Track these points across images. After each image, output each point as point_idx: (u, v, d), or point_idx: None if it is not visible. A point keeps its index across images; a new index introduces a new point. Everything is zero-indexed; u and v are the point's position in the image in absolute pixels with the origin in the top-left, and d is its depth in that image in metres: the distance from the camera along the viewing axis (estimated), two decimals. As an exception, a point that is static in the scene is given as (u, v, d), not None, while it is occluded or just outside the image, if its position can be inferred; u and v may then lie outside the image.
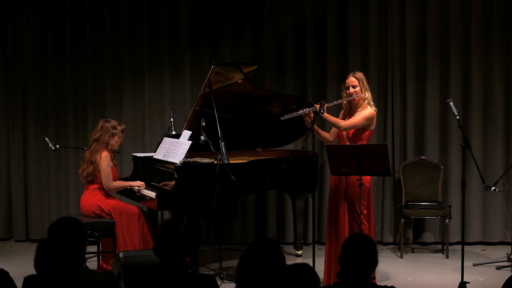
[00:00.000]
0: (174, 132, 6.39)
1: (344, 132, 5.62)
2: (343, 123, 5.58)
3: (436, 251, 7.12)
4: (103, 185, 6.01)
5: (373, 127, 5.61)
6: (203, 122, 5.77)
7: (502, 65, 7.25)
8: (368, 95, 5.60)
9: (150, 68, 7.55)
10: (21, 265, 6.31)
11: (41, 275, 3.14)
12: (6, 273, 3.09)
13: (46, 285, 3.11)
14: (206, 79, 5.93)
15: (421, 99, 7.32)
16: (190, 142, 5.83)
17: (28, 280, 3.17)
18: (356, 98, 5.59)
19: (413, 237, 7.36)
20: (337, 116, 5.76)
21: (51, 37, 7.55)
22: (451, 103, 5.55)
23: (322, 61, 7.40)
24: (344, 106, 5.80)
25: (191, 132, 5.92)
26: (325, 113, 5.42)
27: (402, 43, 7.31)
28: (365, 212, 5.46)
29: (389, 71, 7.32)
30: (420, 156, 7.21)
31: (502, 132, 7.26)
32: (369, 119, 5.54)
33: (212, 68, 5.85)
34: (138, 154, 6.68)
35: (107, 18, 7.53)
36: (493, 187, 6.35)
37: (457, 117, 5.45)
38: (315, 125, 5.50)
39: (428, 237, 7.35)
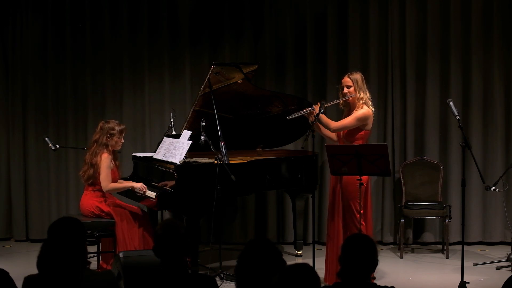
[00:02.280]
0: (174, 132, 6.39)
1: (342, 131, 5.66)
2: (334, 124, 5.62)
3: (436, 251, 7.12)
4: (101, 185, 5.98)
5: (368, 127, 5.62)
6: (203, 122, 5.77)
7: (502, 65, 7.25)
8: (364, 95, 5.61)
9: (150, 68, 7.55)
10: (21, 265, 6.31)
11: (42, 275, 3.14)
12: (6, 273, 3.09)
13: (47, 285, 3.11)
14: (206, 79, 5.93)
15: (421, 99, 7.32)
16: (190, 142, 5.83)
17: (28, 280, 3.18)
18: (351, 99, 5.61)
19: (413, 237, 7.35)
20: (339, 119, 5.78)
21: (51, 37, 7.55)
22: (451, 103, 5.55)
23: (322, 61, 7.40)
24: (342, 108, 5.83)
25: (191, 132, 5.92)
26: (322, 115, 5.48)
27: (402, 43, 7.31)
28: (361, 211, 5.46)
29: (389, 71, 7.32)
30: (420, 156, 7.21)
31: (502, 132, 7.26)
32: (361, 120, 5.55)
33: (212, 68, 5.85)
34: (138, 154, 6.68)
35: (107, 18, 7.53)
36: (493, 187, 6.35)
37: (457, 117, 5.46)
38: (319, 125, 5.54)
39: (428, 237, 7.35)
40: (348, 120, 5.59)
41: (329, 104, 5.70)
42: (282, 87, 7.37)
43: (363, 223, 5.48)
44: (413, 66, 7.31)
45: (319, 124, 5.63)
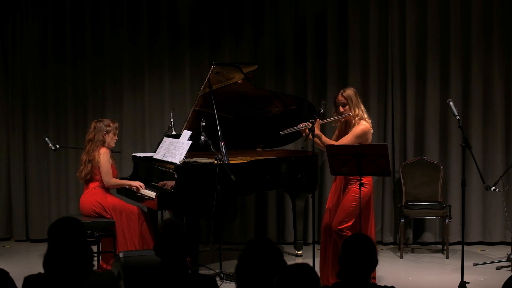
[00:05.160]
0: (174, 132, 6.40)
1: None
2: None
3: (436, 251, 7.12)
4: (103, 181, 6.01)
5: (369, 141, 5.56)
6: (203, 122, 5.77)
7: (502, 65, 7.25)
8: (359, 111, 5.52)
9: (150, 68, 7.55)
10: (21, 265, 6.31)
11: (41, 275, 3.14)
12: (6, 273, 3.09)
13: (46, 285, 3.11)
14: (206, 79, 5.93)
15: (421, 99, 7.32)
16: (190, 142, 5.83)
17: (28, 280, 3.18)
18: (347, 117, 5.57)
19: (413, 237, 7.35)
20: (333, 132, 5.77)
21: (51, 37, 7.55)
22: (451, 103, 5.55)
23: (322, 61, 7.40)
24: (338, 123, 5.78)
25: (191, 132, 5.92)
26: (319, 133, 5.46)
27: (402, 43, 7.31)
28: (350, 223, 5.40)
29: (389, 71, 7.32)
30: (420, 156, 7.21)
31: (502, 132, 7.26)
32: (360, 136, 5.50)
33: (212, 68, 5.85)
34: (138, 154, 6.69)
35: (107, 18, 7.53)
36: (493, 187, 6.35)
37: (457, 117, 5.46)
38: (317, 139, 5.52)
39: (428, 237, 7.35)
40: (348, 139, 5.51)
41: (325, 122, 5.70)
42: (282, 87, 7.37)
43: (347, 232, 5.43)
44: (413, 66, 7.31)
45: (317, 139, 5.59)
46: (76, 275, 3.12)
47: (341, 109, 5.57)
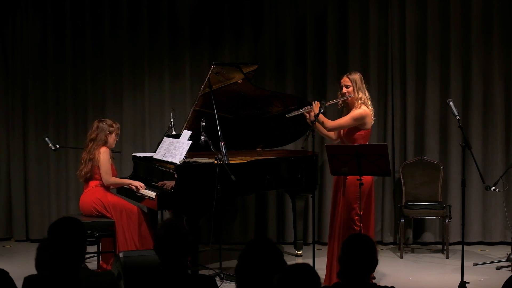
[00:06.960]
0: (174, 132, 6.40)
1: (342, 131, 5.65)
2: (330, 124, 5.61)
3: (436, 251, 7.12)
4: (102, 179, 6.02)
5: (367, 126, 5.58)
6: (203, 122, 5.77)
7: (502, 65, 7.25)
8: (362, 95, 5.58)
9: (150, 68, 7.55)
10: (21, 265, 6.31)
11: (41, 275, 3.14)
12: (6, 273, 3.08)
13: (46, 285, 3.11)
14: (206, 79, 5.93)
15: (421, 99, 7.32)
16: (190, 142, 5.83)
17: (28, 280, 3.17)
18: (349, 99, 5.60)
19: (413, 237, 7.35)
20: (336, 118, 5.78)
21: (51, 37, 7.55)
22: (451, 103, 5.56)
23: (322, 61, 7.40)
24: (341, 108, 5.81)
25: (191, 132, 5.93)
26: (322, 117, 5.49)
27: (402, 43, 7.31)
28: (360, 213, 5.44)
29: (389, 71, 7.32)
30: (420, 156, 7.21)
31: (502, 132, 7.26)
32: (357, 119, 5.53)
33: (212, 68, 5.85)
34: (138, 154, 6.69)
35: (107, 18, 7.53)
36: (493, 187, 6.35)
37: (457, 117, 5.46)
38: (319, 124, 5.54)
39: (428, 237, 7.35)
40: (344, 120, 5.60)
41: (328, 103, 5.70)
42: (282, 87, 7.37)
43: (358, 224, 5.45)
44: (413, 66, 7.31)
45: (319, 124, 5.62)
46: (76, 275, 3.12)
47: (344, 90, 5.60)
